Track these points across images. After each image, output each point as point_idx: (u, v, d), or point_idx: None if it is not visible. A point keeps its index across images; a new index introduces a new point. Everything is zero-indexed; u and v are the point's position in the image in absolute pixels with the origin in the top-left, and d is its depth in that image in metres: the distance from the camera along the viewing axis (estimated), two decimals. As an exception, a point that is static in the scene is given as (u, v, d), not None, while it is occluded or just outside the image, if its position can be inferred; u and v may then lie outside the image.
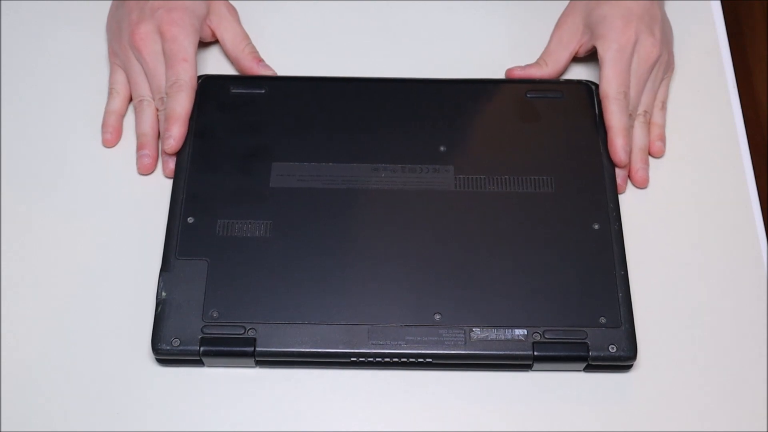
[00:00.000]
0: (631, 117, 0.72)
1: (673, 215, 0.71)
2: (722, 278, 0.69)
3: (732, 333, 0.67)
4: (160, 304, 0.64)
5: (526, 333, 0.64)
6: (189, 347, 0.63)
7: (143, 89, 0.73)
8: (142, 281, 0.67)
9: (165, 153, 0.70)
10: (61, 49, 0.78)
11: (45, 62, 0.77)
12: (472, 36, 0.78)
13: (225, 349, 0.63)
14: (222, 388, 0.64)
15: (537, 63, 0.76)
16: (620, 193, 0.70)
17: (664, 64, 0.74)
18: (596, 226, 0.67)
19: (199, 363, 0.64)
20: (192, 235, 0.67)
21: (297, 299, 0.64)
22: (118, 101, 0.74)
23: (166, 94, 0.71)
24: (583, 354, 0.63)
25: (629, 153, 0.71)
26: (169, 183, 0.70)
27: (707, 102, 0.76)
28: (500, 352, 0.63)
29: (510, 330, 0.64)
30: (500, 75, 0.76)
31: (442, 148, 0.70)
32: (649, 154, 0.73)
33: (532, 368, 0.64)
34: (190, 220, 0.67)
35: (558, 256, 0.66)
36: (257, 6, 0.80)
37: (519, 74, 0.75)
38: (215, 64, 0.77)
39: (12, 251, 0.69)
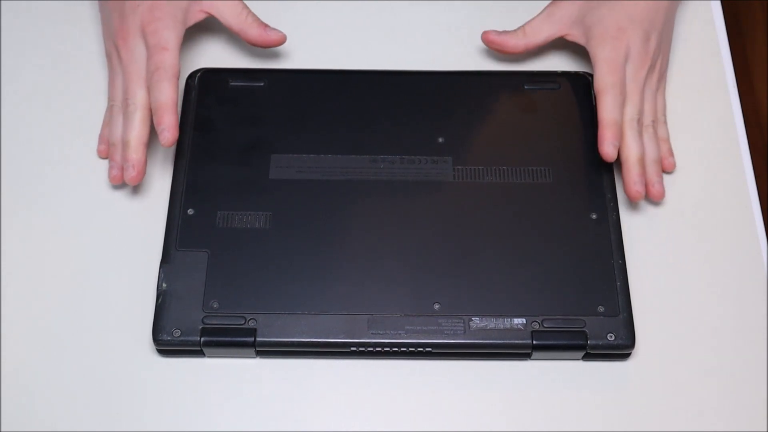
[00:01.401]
0: (639, 123, 0.70)
1: (673, 215, 0.71)
2: (721, 273, 0.69)
3: (729, 322, 0.67)
4: (161, 295, 0.64)
5: (524, 322, 0.64)
6: (190, 338, 0.63)
7: (117, 93, 0.71)
8: (142, 272, 0.67)
9: (164, 146, 0.69)
10: (61, 48, 0.78)
11: (45, 61, 0.78)
12: (471, 29, 0.78)
13: (225, 339, 0.64)
14: (223, 379, 0.64)
15: (515, 31, 0.75)
16: (634, 201, 0.70)
17: (657, 72, 0.73)
18: (594, 216, 0.68)
19: (199, 353, 0.65)
20: (192, 226, 0.67)
21: (297, 289, 0.65)
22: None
23: (148, 87, 0.69)
24: (581, 342, 0.63)
25: (617, 148, 0.68)
26: (170, 175, 0.70)
27: (707, 102, 0.76)
28: (499, 341, 0.63)
29: (509, 319, 0.64)
30: (498, 67, 0.77)
31: (440, 140, 0.70)
32: (663, 169, 0.72)
33: (531, 357, 0.65)
34: (190, 211, 0.68)
35: (556, 245, 0.67)
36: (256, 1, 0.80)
37: (493, 39, 0.74)
38: (214, 59, 0.77)
39: (12, 244, 0.69)
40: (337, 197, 0.68)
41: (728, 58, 0.78)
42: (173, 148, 0.71)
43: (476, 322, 0.64)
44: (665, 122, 0.73)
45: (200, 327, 0.64)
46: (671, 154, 0.72)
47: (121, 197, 0.71)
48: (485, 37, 0.75)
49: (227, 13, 0.74)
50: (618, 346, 0.63)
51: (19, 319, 0.66)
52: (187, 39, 0.77)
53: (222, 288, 0.65)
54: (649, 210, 0.71)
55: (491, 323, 0.64)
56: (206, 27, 0.78)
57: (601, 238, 0.67)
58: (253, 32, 0.74)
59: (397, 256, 0.66)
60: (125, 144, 0.69)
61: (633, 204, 0.71)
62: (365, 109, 0.72)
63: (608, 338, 0.63)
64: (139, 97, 0.69)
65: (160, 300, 0.64)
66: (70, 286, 0.67)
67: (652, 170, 0.70)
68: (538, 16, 0.75)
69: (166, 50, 0.69)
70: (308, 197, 0.68)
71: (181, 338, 0.63)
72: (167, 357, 0.65)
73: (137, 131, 0.68)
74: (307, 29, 0.79)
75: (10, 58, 0.78)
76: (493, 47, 0.75)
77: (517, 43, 0.74)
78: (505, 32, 0.75)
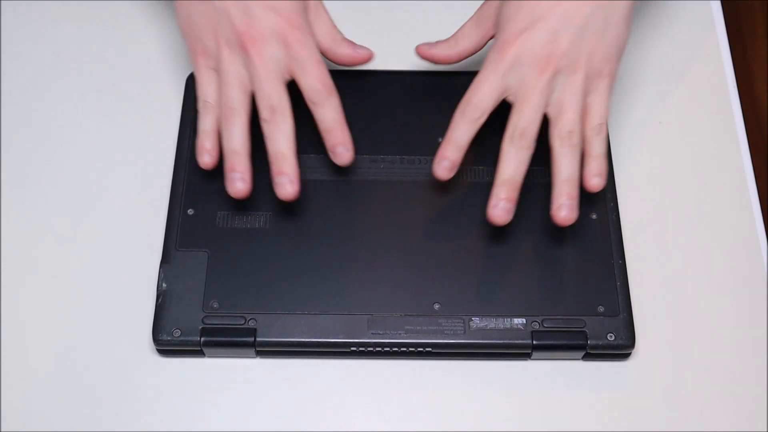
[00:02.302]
0: (523, 137, 0.63)
1: (673, 215, 0.71)
2: (721, 273, 0.69)
3: (729, 322, 0.67)
4: (161, 295, 0.65)
5: (524, 322, 0.64)
6: (190, 338, 0.63)
7: (236, 95, 0.64)
8: (142, 272, 0.67)
9: (343, 165, 0.66)
10: (61, 48, 0.78)
11: (45, 61, 0.78)
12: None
13: (225, 339, 0.64)
14: (223, 379, 0.64)
15: (447, 40, 0.70)
16: (562, 225, 0.63)
17: (578, 75, 0.63)
18: (594, 216, 0.68)
19: (199, 353, 0.65)
20: (192, 226, 0.67)
21: (297, 289, 0.65)
22: (214, 119, 0.66)
23: (314, 102, 0.64)
24: (581, 342, 0.63)
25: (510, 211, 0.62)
26: (170, 175, 0.70)
27: (707, 102, 0.76)
28: (499, 341, 0.63)
29: (509, 319, 0.64)
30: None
31: (440, 140, 0.70)
32: (586, 189, 0.64)
33: (531, 357, 0.65)
34: (190, 211, 0.68)
35: (556, 245, 0.67)
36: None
37: (422, 52, 0.70)
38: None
39: (12, 243, 0.69)
40: (337, 197, 0.68)
41: (728, 58, 0.78)
42: (173, 148, 0.71)
43: (476, 322, 0.64)
44: (600, 132, 0.64)
45: (200, 327, 0.64)
46: (599, 173, 0.63)
47: (121, 197, 0.71)
48: (417, 50, 0.71)
49: (320, 31, 0.69)
50: (618, 346, 0.64)
51: (19, 319, 0.66)
52: (187, 39, 0.77)
53: (222, 288, 0.65)
54: (649, 210, 0.71)
55: (491, 323, 0.64)
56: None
57: (601, 238, 0.67)
58: (344, 51, 0.70)
59: (397, 256, 0.66)
60: (279, 155, 0.63)
61: (633, 204, 0.71)
62: (365, 109, 0.72)
63: (608, 338, 0.64)
64: (284, 101, 0.64)
65: (160, 300, 0.64)
66: (70, 286, 0.67)
67: (561, 190, 0.63)
68: (468, 20, 0.70)
69: (322, 64, 0.65)
70: (308, 197, 0.68)
71: (181, 338, 0.63)
72: (167, 357, 0.65)
73: (291, 140, 0.64)
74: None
75: (11, 58, 0.78)
76: (426, 60, 0.71)
77: (449, 53, 0.70)
78: (437, 43, 0.70)
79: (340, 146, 0.65)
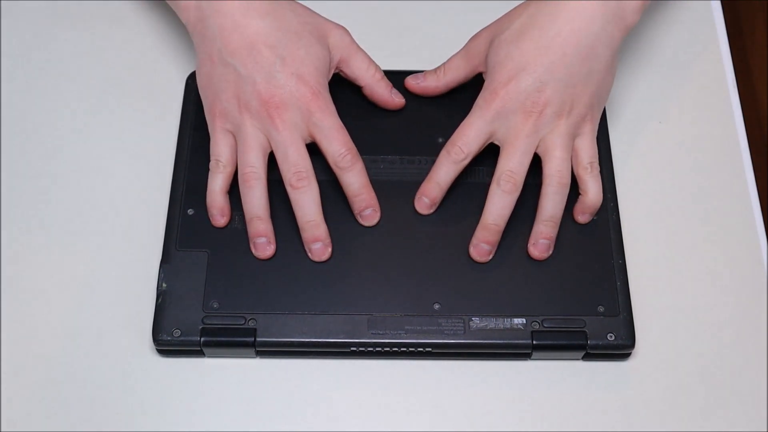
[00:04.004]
0: (509, 181, 0.65)
1: (673, 215, 0.71)
2: (721, 273, 0.69)
3: (729, 322, 0.67)
4: (161, 295, 0.65)
5: (524, 322, 0.64)
6: (190, 338, 0.63)
7: (257, 160, 0.65)
8: (142, 272, 0.67)
9: (369, 225, 0.67)
10: (61, 48, 0.78)
11: (45, 60, 0.78)
12: (472, 29, 0.78)
13: (225, 339, 0.64)
14: (223, 379, 0.64)
15: (435, 71, 0.72)
16: (536, 260, 0.66)
17: (563, 121, 0.65)
18: (594, 216, 0.68)
19: (199, 353, 0.65)
20: (192, 226, 0.67)
21: (297, 289, 0.65)
22: (225, 178, 0.67)
23: (341, 168, 0.66)
24: (581, 342, 0.63)
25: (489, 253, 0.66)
26: (170, 176, 0.70)
27: (707, 102, 0.76)
28: (499, 341, 0.64)
29: (509, 319, 0.64)
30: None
31: (440, 140, 0.70)
32: (575, 221, 0.68)
33: (531, 357, 0.65)
34: (190, 211, 0.68)
35: (556, 245, 0.67)
36: None
37: (411, 87, 0.72)
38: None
39: (12, 244, 0.69)
40: (337, 197, 0.68)
41: (728, 58, 0.78)
42: (173, 148, 0.71)
43: (476, 322, 0.64)
44: (592, 170, 0.67)
45: (200, 327, 0.64)
46: (586, 210, 0.67)
47: (121, 197, 0.71)
48: (406, 84, 0.72)
49: (357, 69, 0.70)
50: (618, 346, 0.64)
51: (19, 319, 0.66)
52: (187, 39, 0.77)
53: (222, 288, 0.65)
54: (649, 210, 0.71)
55: (491, 323, 0.64)
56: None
57: (601, 238, 0.67)
58: (381, 91, 0.71)
59: (397, 256, 0.66)
60: (311, 224, 0.65)
61: (633, 204, 0.71)
62: (365, 109, 0.72)
63: (608, 338, 0.64)
64: (310, 167, 0.65)
65: (160, 300, 0.64)
66: (70, 286, 0.67)
67: (540, 230, 0.66)
68: (458, 52, 0.72)
69: (344, 129, 0.66)
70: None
71: (181, 338, 0.63)
72: (167, 357, 0.65)
73: (319, 205, 0.66)
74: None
75: (11, 58, 0.78)
76: (415, 93, 0.73)
77: (436, 84, 0.72)
78: (424, 75, 0.72)
79: (369, 209, 0.67)
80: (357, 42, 0.71)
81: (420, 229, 0.67)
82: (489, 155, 0.69)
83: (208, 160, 0.68)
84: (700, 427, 0.63)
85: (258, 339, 0.63)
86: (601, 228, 0.67)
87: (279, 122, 0.65)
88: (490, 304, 0.64)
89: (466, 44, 0.71)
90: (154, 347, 0.64)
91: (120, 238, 0.69)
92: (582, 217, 0.67)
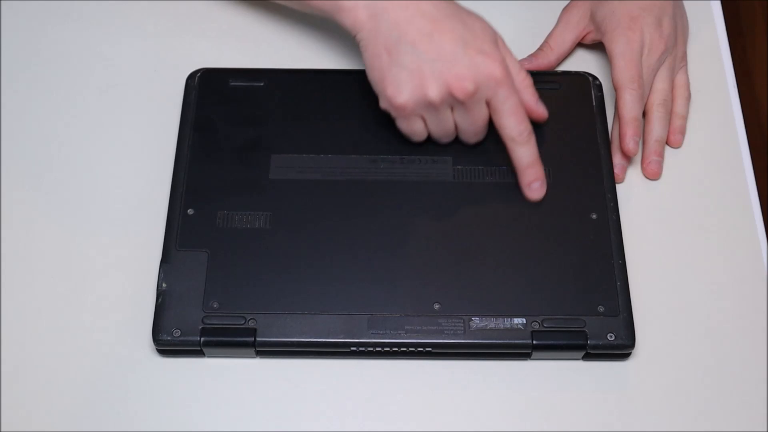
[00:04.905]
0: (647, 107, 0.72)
1: (673, 215, 0.71)
2: (721, 273, 0.69)
3: (729, 322, 0.67)
4: (161, 295, 0.65)
5: (524, 322, 0.64)
6: (190, 338, 0.63)
7: (449, 127, 0.68)
8: (142, 272, 0.67)
9: (533, 194, 0.69)
10: (61, 48, 0.78)
11: (44, 60, 0.78)
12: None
13: (225, 339, 0.64)
14: (223, 378, 0.64)
15: (542, 50, 0.77)
16: (618, 183, 0.71)
17: (674, 54, 0.74)
18: (594, 216, 0.68)
19: (199, 353, 0.65)
20: (192, 226, 0.67)
21: (297, 289, 0.65)
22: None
23: (517, 142, 0.67)
24: (581, 342, 0.63)
25: (638, 143, 0.71)
26: (170, 175, 0.70)
27: (707, 102, 0.76)
28: (499, 341, 0.63)
29: (509, 319, 0.64)
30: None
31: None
32: (668, 144, 0.74)
33: (531, 357, 0.65)
34: (190, 211, 0.68)
35: (556, 245, 0.67)
36: None
37: (528, 68, 0.73)
38: (214, 59, 0.77)
39: (12, 243, 0.69)
40: (337, 197, 0.68)
41: (728, 58, 0.78)
42: (173, 148, 0.71)
43: (476, 322, 0.64)
44: (687, 97, 0.74)
45: (200, 327, 0.64)
46: (680, 131, 0.74)
47: (121, 197, 0.71)
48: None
49: (514, 66, 0.70)
50: (618, 346, 0.64)
51: (19, 319, 0.66)
52: (186, 39, 0.77)
53: (222, 288, 0.65)
54: (649, 210, 0.71)
55: (491, 323, 0.64)
56: (206, 27, 0.79)
57: (601, 238, 0.67)
58: (527, 97, 0.70)
59: (397, 256, 0.66)
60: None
61: (633, 204, 0.71)
62: (365, 109, 0.72)
63: (608, 338, 0.63)
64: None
65: (160, 300, 0.64)
66: (70, 286, 0.67)
67: (652, 148, 0.72)
68: (556, 27, 0.77)
69: (522, 107, 0.67)
70: (308, 197, 0.68)
71: (181, 338, 0.63)
72: (167, 357, 0.65)
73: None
74: (307, 29, 0.79)
75: (11, 58, 0.78)
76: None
77: (550, 60, 0.76)
78: (534, 56, 0.77)
79: (538, 181, 0.68)
80: None
81: (420, 229, 0.67)
82: (489, 155, 0.69)
83: (209, 161, 0.69)
84: (700, 427, 0.63)
85: (258, 339, 0.63)
86: (601, 228, 0.67)
87: (469, 103, 0.66)
88: (490, 304, 0.64)
89: (563, 18, 0.77)
90: (154, 347, 0.64)
91: (120, 237, 0.69)
92: (676, 137, 0.74)
